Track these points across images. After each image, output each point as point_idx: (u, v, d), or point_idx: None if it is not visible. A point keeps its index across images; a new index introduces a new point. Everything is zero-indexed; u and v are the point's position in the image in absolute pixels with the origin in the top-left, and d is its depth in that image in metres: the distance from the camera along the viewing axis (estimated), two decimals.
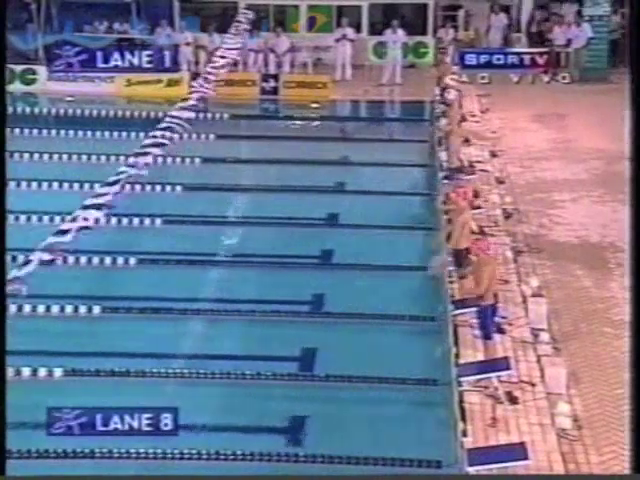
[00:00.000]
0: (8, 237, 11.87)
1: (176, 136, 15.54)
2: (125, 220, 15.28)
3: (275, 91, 25.35)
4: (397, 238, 15.96)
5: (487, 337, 11.37)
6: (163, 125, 15.43)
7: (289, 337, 12.64)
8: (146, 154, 13.91)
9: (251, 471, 9.88)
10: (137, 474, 9.63)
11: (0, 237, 8.39)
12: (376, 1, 27.95)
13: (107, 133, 20.60)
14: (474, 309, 11.77)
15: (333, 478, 9.93)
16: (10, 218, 15.09)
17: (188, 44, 26.47)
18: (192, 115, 16.64)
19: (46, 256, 10.44)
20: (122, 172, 13.01)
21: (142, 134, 17.39)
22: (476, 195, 14.56)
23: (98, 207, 11.77)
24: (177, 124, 15.65)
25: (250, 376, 11.48)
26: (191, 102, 16.99)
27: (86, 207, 11.70)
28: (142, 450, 9.94)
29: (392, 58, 26.18)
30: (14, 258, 13.06)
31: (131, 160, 13.72)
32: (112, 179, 12.78)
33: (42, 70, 26.02)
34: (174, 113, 16.21)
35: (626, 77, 8.84)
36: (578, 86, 25.21)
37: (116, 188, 12.41)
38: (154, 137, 14.73)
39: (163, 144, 14.63)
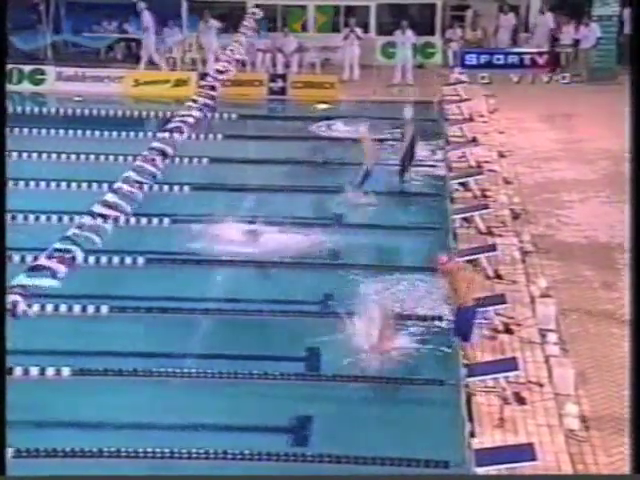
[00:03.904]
0: (16, 236, 11.93)
1: (184, 137, 15.54)
2: (133, 219, 15.28)
3: (283, 91, 25.36)
4: (402, 238, 15.97)
5: (465, 339, 11.34)
6: (171, 126, 15.44)
7: (295, 337, 12.63)
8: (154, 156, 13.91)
9: (257, 471, 9.87)
10: (142, 474, 9.62)
11: (0, 237, 8.35)
12: (384, 1, 27.95)
13: (115, 133, 20.63)
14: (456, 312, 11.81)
15: (338, 478, 9.93)
16: (19, 218, 15.20)
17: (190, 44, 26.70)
18: (200, 115, 16.66)
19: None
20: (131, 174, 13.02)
21: (150, 134, 17.44)
22: None
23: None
24: (185, 124, 15.66)
25: (257, 376, 11.48)
26: (200, 102, 17.01)
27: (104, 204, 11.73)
28: (149, 449, 9.95)
29: (402, 58, 26.17)
30: (23, 258, 13.14)
31: (138, 162, 13.73)
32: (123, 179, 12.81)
33: (51, 70, 26.08)
34: (182, 113, 16.23)
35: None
36: (586, 86, 25.17)
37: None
38: (162, 138, 14.73)
39: (172, 145, 14.64)
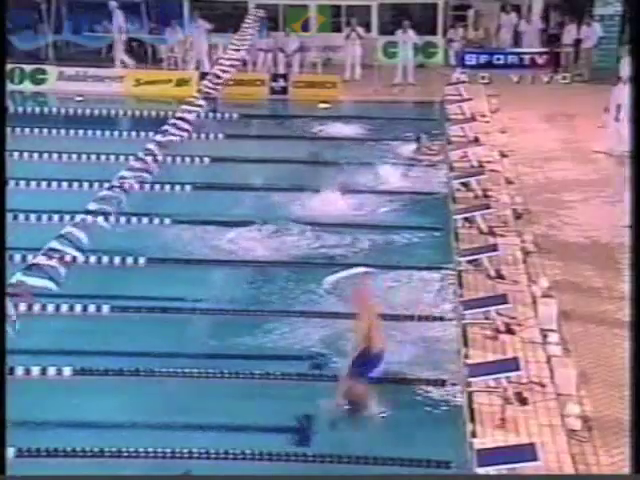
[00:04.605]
0: (18, 236, 11.92)
1: (184, 136, 15.54)
2: (134, 219, 15.27)
3: (284, 91, 25.38)
4: (406, 238, 15.96)
5: (356, 378, 10.73)
6: (168, 125, 15.44)
7: (298, 336, 12.62)
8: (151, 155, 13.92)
9: (257, 471, 9.85)
10: (142, 474, 9.61)
11: (0, 237, 8.33)
12: (385, 1, 27.96)
13: (116, 133, 20.63)
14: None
15: (338, 478, 9.92)
16: (20, 217, 15.18)
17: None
18: (200, 114, 16.67)
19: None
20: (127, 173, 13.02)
21: (151, 134, 17.44)
22: None
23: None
24: (183, 124, 15.67)
25: (259, 375, 11.47)
26: (198, 102, 17.03)
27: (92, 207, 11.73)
28: (149, 449, 9.94)
29: (403, 58, 26.20)
30: (24, 257, 13.13)
31: (136, 161, 13.73)
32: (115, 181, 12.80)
33: (52, 70, 26.10)
34: (180, 113, 16.26)
35: None
36: (588, 85, 25.15)
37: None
38: (159, 138, 14.74)
39: (168, 145, 14.64)
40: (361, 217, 16.84)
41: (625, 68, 22.17)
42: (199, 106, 16.99)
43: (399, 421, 10.76)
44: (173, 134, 15.06)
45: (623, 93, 19.03)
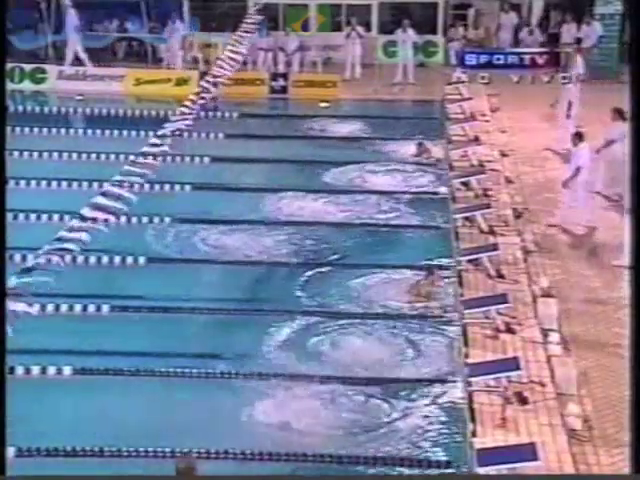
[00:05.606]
0: (18, 236, 11.91)
1: (184, 136, 15.52)
2: (134, 219, 15.27)
3: (284, 90, 25.37)
4: (405, 237, 15.97)
5: None
6: (169, 126, 15.41)
7: (297, 336, 12.62)
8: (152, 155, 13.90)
9: (257, 470, 9.85)
10: (143, 474, 9.61)
11: (0, 237, 8.31)
12: (385, 0, 27.96)
13: (116, 132, 20.63)
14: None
15: (338, 478, 9.91)
16: (20, 217, 15.18)
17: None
18: (200, 114, 16.65)
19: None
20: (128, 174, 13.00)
21: (151, 133, 17.42)
22: None
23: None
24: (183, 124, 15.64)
25: (257, 375, 11.46)
26: (198, 102, 17.00)
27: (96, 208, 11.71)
28: (149, 449, 9.94)
29: (403, 57, 26.20)
30: (24, 257, 13.12)
31: (137, 162, 13.70)
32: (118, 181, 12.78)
33: (52, 69, 26.10)
34: (180, 112, 16.22)
35: None
36: (588, 85, 25.09)
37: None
38: (160, 138, 14.71)
39: (169, 144, 14.61)
40: (359, 217, 16.85)
41: (577, 67, 22.36)
42: (195, 107, 16.97)
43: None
44: (172, 134, 15.02)
45: (574, 91, 19.83)
